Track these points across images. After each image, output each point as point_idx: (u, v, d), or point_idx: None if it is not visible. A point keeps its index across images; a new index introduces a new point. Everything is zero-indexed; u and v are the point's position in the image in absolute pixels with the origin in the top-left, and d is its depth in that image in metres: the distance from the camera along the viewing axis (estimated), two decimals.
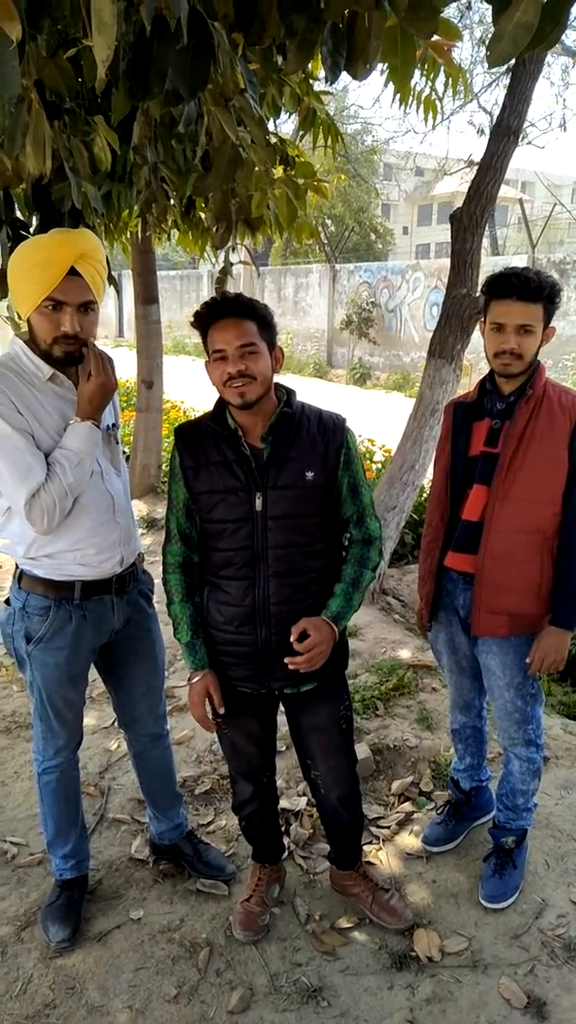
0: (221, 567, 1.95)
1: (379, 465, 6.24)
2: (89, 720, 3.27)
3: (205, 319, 1.82)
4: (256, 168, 2.61)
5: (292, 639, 1.90)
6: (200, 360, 1.96)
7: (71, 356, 1.91)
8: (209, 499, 1.91)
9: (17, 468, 1.86)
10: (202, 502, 1.92)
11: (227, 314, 1.79)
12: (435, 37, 2.14)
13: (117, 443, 2.14)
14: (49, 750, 2.21)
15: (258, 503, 1.87)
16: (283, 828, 2.57)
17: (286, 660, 1.91)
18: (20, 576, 2.07)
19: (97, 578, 2.06)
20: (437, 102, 3.10)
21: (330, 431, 1.92)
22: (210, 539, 1.96)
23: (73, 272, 1.83)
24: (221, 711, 2.00)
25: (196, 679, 2.00)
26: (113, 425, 2.13)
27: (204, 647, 2.01)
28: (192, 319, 1.86)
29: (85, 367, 1.93)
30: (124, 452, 2.29)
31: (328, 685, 2.06)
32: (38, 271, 1.81)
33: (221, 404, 1.93)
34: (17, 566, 2.08)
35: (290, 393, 1.95)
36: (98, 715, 3.35)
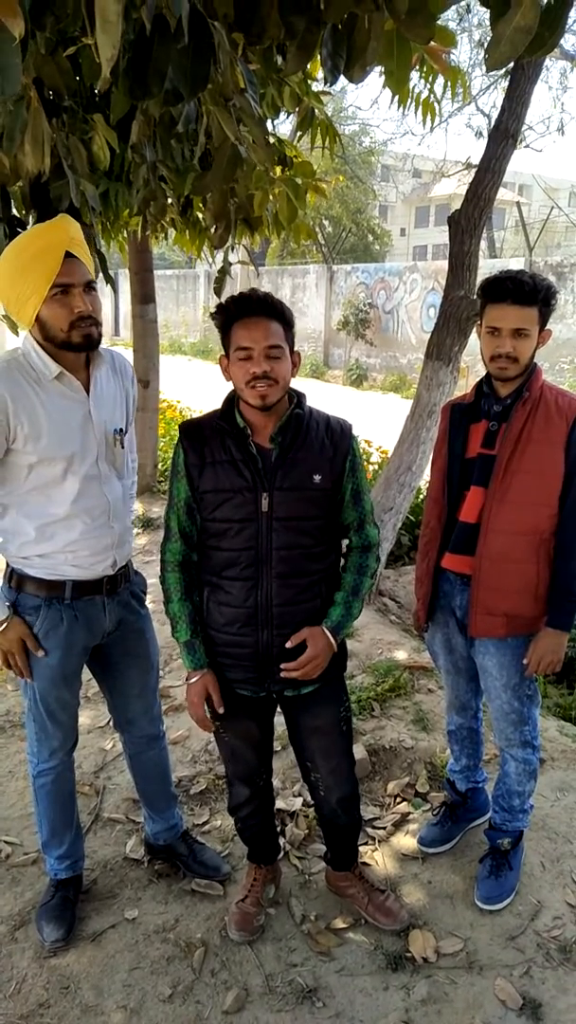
0: (224, 567, 1.94)
1: (376, 467, 6.24)
2: (84, 719, 3.26)
3: (232, 314, 1.80)
4: (256, 168, 2.61)
5: (288, 645, 1.91)
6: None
7: (90, 338, 1.91)
8: (214, 498, 1.89)
9: None
10: (206, 501, 1.91)
11: (257, 312, 1.78)
12: (431, 43, 2.15)
13: (123, 448, 2.11)
14: (44, 752, 2.20)
15: (264, 504, 1.86)
16: (279, 829, 2.57)
17: (282, 666, 1.92)
18: (11, 575, 2.07)
19: (88, 579, 2.06)
20: (435, 104, 3.11)
21: (338, 436, 1.92)
22: (212, 538, 1.94)
23: (68, 255, 1.84)
24: (220, 711, 2.00)
25: (194, 679, 1.99)
26: (121, 430, 2.09)
27: (203, 646, 2.00)
28: (215, 311, 1.84)
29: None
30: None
31: (328, 687, 2.05)
32: (38, 260, 1.81)
33: (230, 402, 1.92)
34: (8, 565, 2.08)
35: (300, 395, 1.94)
36: (93, 714, 3.35)
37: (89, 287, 1.89)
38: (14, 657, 2.04)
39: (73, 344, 1.90)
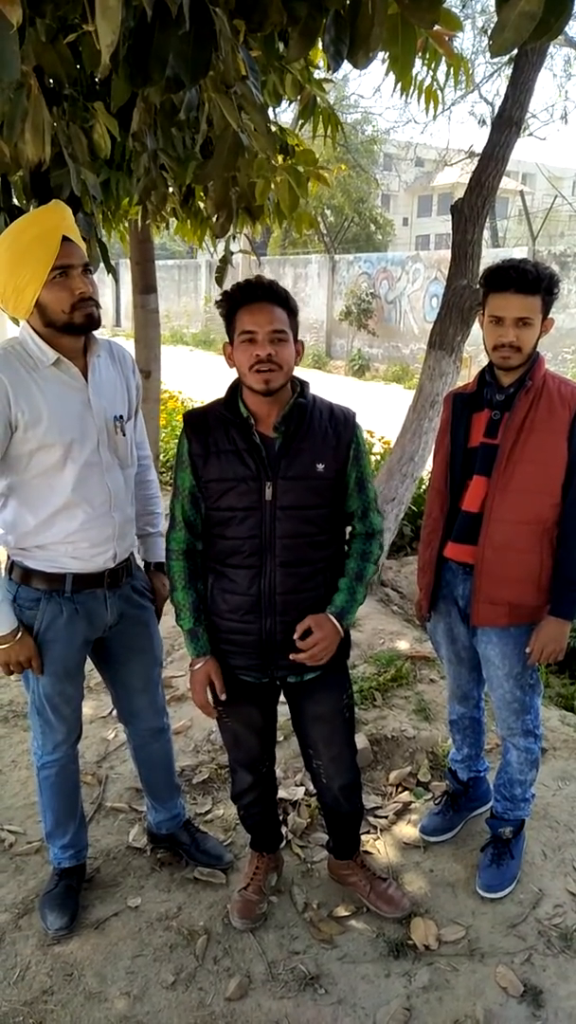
0: (228, 555, 1.95)
1: (378, 457, 6.23)
2: (86, 710, 3.25)
3: (237, 300, 1.82)
4: (258, 156, 2.59)
5: (295, 636, 1.92)
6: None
7: (92, 318, 1.91)
8: (219, 487, 1.90)
9: None
10: (211, 490, 1.92)
11: (261, 298, 1.80)
12: (436, 27, 2.13)
13: (125, 435, 2.09)
14: (48, 745, 2.20)
15: (268, 492, 1.87)
16: (281, 817, 2.58)
17: (291, 656, 1.92)
18: (11, 568, 2.06)
19: (89, 571, 2.05)
20: (438, 92, 3.08)
21: (341, 424, 1.93)
22: (217, 527, 1.95)
23: (65, 239, 1.84)
24: (223, 697, 2.01)
25: (198, 666, 2.01)
26: (121, 416, 2.07)
27: (206, 634, 2.01)
28: (220, 299, 1.85)
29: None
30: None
31: (331, 674, 2.06)
32: (36, 246, 1.81)
33: (233, 391, 1.92)
34: (9, 557, 2.08)
35: (304, 384, 1.94)
36: (95, 704, 3.36)
37: (86, 269, 1.90)
38: (28, 663, 2.04)
39: (76, 326, 1.90)
